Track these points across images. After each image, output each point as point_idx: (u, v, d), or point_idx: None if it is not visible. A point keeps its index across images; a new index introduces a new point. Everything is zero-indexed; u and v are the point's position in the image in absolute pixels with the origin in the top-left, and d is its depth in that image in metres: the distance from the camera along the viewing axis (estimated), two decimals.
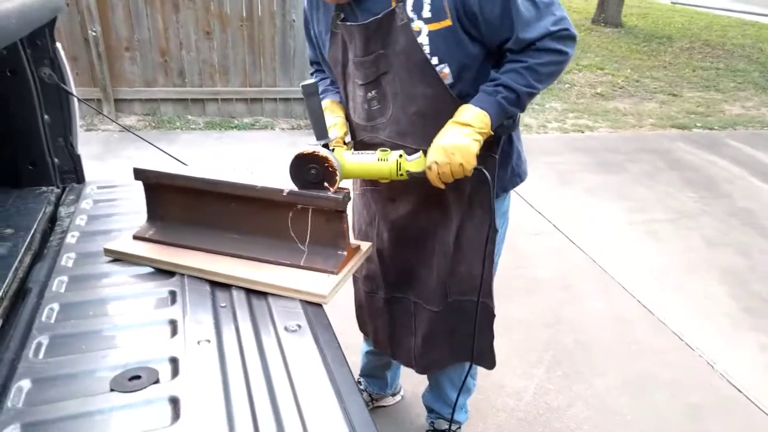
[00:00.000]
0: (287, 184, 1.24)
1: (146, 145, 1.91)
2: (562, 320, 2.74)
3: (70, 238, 1.40)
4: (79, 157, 1.76)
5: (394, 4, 1.25)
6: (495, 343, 1.65)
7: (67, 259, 1.30)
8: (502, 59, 1.30)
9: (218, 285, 1.21)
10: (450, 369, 1.78)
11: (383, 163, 1.26)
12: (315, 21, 1.45)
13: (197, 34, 5.01)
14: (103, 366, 0.95)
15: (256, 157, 4.53)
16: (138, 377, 0.92)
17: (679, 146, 5.30)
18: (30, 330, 1.03)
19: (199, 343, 1.01)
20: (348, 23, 1.32)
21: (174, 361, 0.96)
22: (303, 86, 1.21)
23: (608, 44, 9.08)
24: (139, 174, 1.35)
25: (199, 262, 1.25)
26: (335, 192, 1.22)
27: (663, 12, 12.44)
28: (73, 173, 1.76)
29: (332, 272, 1.22)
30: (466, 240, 1.50)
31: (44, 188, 1.68)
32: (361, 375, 2.14)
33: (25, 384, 0.90)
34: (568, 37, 1.26)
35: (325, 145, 1.24)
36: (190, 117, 5.25)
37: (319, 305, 1.16)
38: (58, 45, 1.63)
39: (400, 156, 1.27)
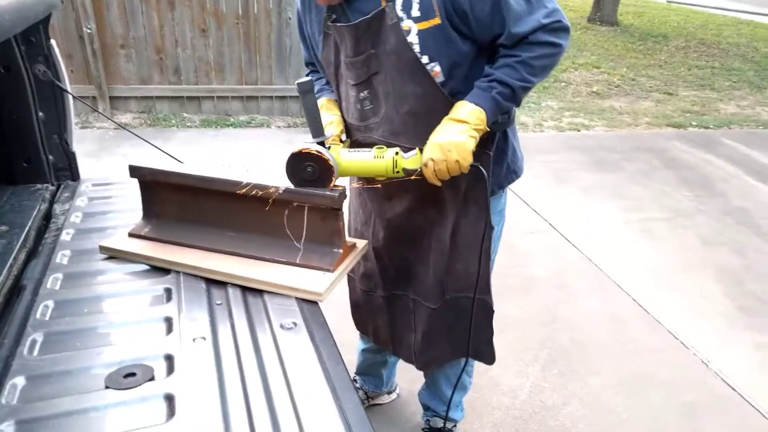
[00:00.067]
0: (283, 182, 1.23)
1: (142, 143, 1.91)
2: (557, 319, 2.74)
3: (65, 236, 1.40)
4: (74, 154, 1.76)
5: (383, 4, 1.24)
6: None
7: (62, 257, 1.30)
8: (495, 55, 1.29)
9: (214, 282, 1.21)
10: (446, 366, 1.78)
11: (379, 160, 1.26)
12: (308, 22, 1.45)
13: (193, 31, 4.99)
14: (98, 363, 0.95)
15: (252, 154, 4.52)
16: (133, 374, 0.92)
17: (675, 145, 5.32)
18: (24, 327, 1.03)
19: (194, 340, 1.01)
20: (339, 24, 1.32)
21: (169, 359, 0.96)
22: (299, 84, 1.21)
23: (604, 43, 9.09)
24: (134, 171, 1.35)
25: (195, 259, 1.25)
26: (331, 190, 1.22)
27: (659, 11, 12.46)
28: (68, 170, 1.76)
29: (328, 270, 1.23)
30: (462, 237, 1.50)
31: (39, 185, 1.68)
32: (357, 373, 2.14)
33: (20, 381, 0.90)
34: (560, 29, 1.24)
35: (321, 143, 1.24)
36: (185, 115, 5.24)
37: (315, 303, 1.16)
38: (53, 42, 1.62)
39: (396, 153, 1.27)
